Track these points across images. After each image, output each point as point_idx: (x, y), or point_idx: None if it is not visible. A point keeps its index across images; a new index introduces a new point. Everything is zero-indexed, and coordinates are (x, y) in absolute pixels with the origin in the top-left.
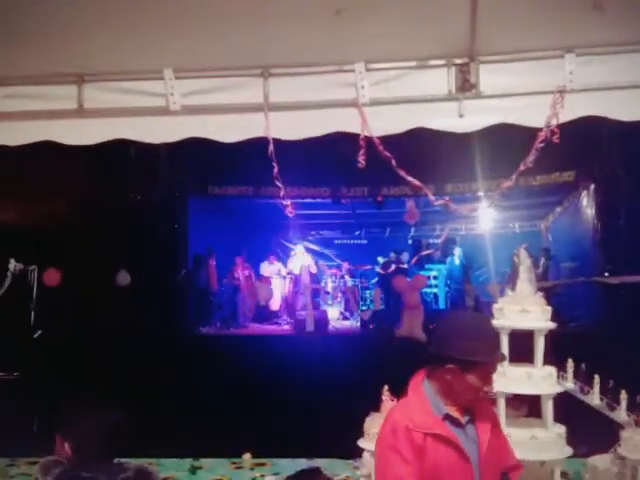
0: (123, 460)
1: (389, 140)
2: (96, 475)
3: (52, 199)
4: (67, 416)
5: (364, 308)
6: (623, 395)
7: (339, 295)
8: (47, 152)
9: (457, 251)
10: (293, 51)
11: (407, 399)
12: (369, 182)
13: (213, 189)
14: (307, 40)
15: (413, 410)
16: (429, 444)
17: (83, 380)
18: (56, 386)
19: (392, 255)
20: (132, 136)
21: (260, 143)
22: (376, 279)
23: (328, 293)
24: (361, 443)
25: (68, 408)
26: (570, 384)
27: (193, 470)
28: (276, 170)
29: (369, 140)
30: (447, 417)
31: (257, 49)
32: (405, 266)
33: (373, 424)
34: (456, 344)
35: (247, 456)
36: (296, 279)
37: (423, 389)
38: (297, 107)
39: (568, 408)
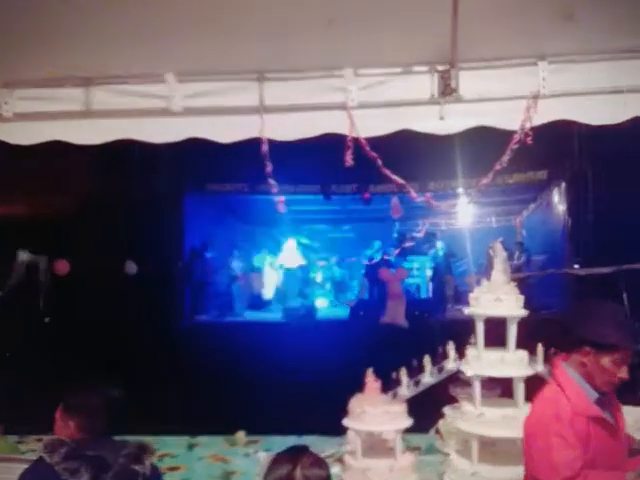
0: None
1: (375, 141)
2: (101, 453)
3: (60, 195)
4: (72, 396)
5: (352, 297)
6: None
7: (327, 285)
8: (57, 150)
9: (439, 244)
10: (287, 58)
11: (558, 386)
12: (357, 180)
13: (211, 186)
14: (300, 47)
15: (571, 396)
16: (592, 428)
17: (89, 363)
18: (64, 369)
19: (375, 245)
20: (136, 136)
21: (256, 143)
22: (363, 271)
23: (318, 284)
24: (346, 422)
25: (73, 388)
26: (540, 367)
27: (190, 447)
28: (269, 169)
29: (357, 141)
30: (598, 401)
31: (253, 55)
32: (389, 257)
33: (357, 404)
34: (595, 328)
35: (240, 434)
36: (288, 270)
37: (570, 375)
38: (290, 110)
39: (538, 389)
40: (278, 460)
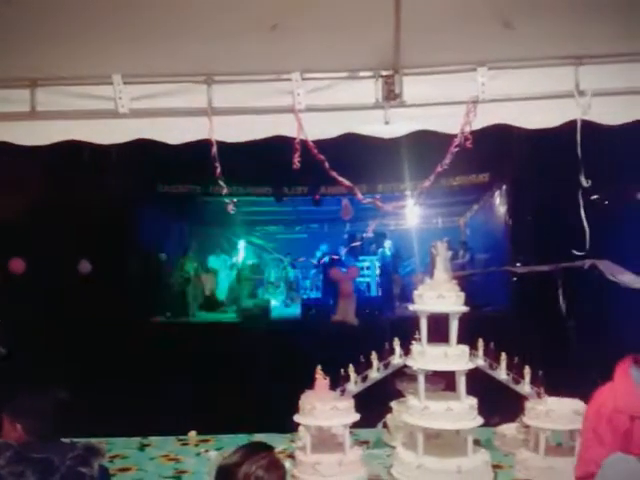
0: (71, 440)
1: (324, 144)
2: (47, 455)
3: (13, 196)
4: (18, 400)
5: (304, 296)
6: (527, 370)
7: (281, 285)
8: (8, 151)
9: (387, 244)
10: (235, 61)
11: (614, 383)
12: (308, 182)
13: (162, 187)
14: (249, 51)
15: (620, 394)
16: (636, 427)
17: (40, 363)
18: (12, 370)
19: (324, 246)
20: (83, 137)
21: (207, 145)
22: (313, 270)
23: (271, 283)
24: (297, 418)
25: (17, 390)
26: (480, 361)
27: (142, 447)
28: (219, 171)
29: (305, 143)
30: None
31: (202, 58)
32: (338, 257)
33: (307, 401)
34: None
35: (192, 434)
36: (241, 271)
37: (630, 373)
38: (239, 112)
39: (479, 382)
40: (235, 451)
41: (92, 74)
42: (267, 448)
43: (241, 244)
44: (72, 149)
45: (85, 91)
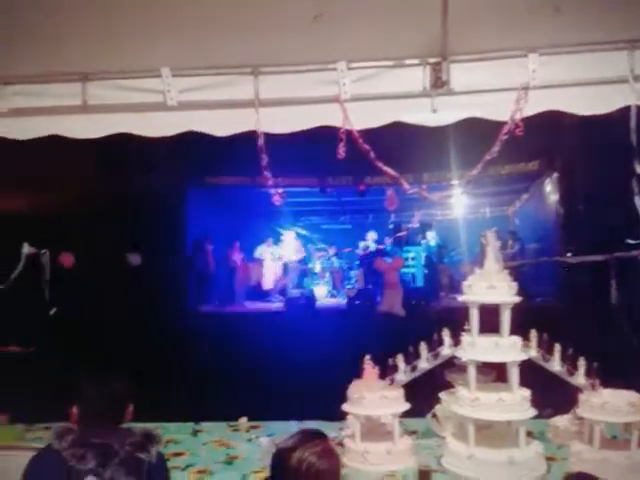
0: (129, 425)
1: (370, 133)
2: (106, 440)
3: (62, 190)
4: (76, 385)
5: (349, 287)
6: (581, 362)
7: (326, 275)
8: (56, 145)
9: (433, 234)
10: (281, 52)
11: None
12: (353, 172)
13: (210, 179)
14: (294, 41)
15: None
16: None
17: (94, 353)
18: (69, 359)
19: (369, 237)
20: (133, 130)
21: (254, 136)
22: (358, 261)
23: (316, 274)
24: (345, 407)
25: (78, 378)
26: (533, 352)
27: (194, 433)
28: (265, 162)
29: (350, 133)
30: None
31: (248, 50)
32: (383, 247)
33: (356, 390)
34: None
35: (243, 420)
36: (287, 262)
37: None
38: (285, 103)
39: (531, 374)
40: (290, 437)
41: (141, 67)
42: (321, 436)
43: (287, 235)
44: (122, 141)
45: (134, 84)
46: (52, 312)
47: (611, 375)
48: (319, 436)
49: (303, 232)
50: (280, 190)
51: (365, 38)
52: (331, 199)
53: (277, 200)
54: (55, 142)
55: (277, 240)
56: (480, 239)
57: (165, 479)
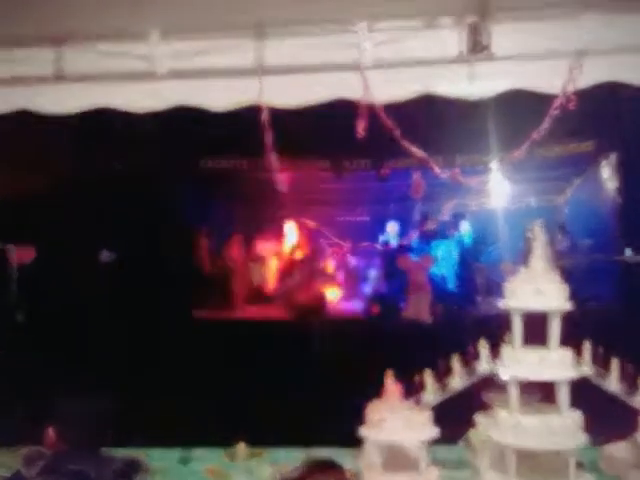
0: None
1: (393, 108)
2: (83, 467)
3: (30, 173)
4: (53, 402)
5: (367, 289)
6: None
7: (339, 275)
8: (24, 121)
9: (467, 227)
10: (290, 8)
11: None
12: (372, 154)
13: (205, 162)
14: None
15: None
16: None
17: (67, 363)
18: (40, 370)
19: (389, 229)
20: (116, 104)
21: (255, 112)
22: (378, 259)
23: (328, 274)
24: (363, 431)
25: (56, 395)
26: (587, 369)
27: (183, 461)
28: (270, 140)
29: (372, 108)
30: None
31: (250, 6)
32: (409, 242)
33: (376, 411)
34: None
35: (241, 446)
36: (292, 259)
37: None
38: (294, 71)
39: (584, 393)
40: (300, 465)
41: (126, 30)
42: (334, 465)
43: (290, 227)
44: (103, 118)
45: (118, 50)
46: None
47: None
48: (331, 466)
49: (312, 224)
50: (285, 175)
51: None
52: (346, 185)
53: (281, 187)
54: (23, 118)
55: (281, 233)
56: (525, 233)
57: None
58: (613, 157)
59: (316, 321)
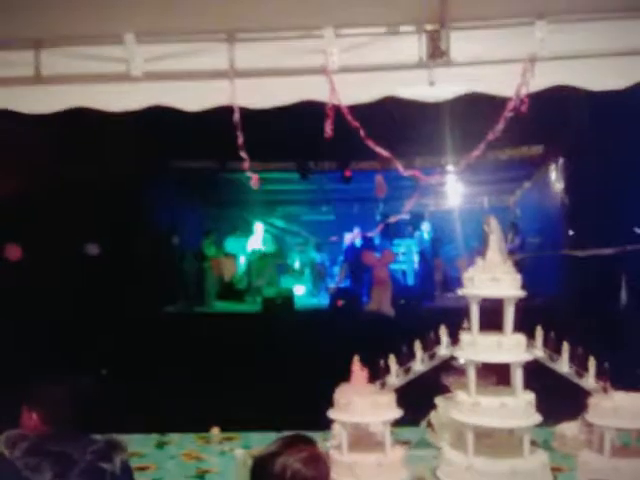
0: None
1: (356, 113)
2: (65, 449)
3: (8, 173)
4: (36, 386)
5: (332, 284)
6: (591, 362)
7: (305, 271)
8: (3, 121)
9: (426, 226)
10: (260, 15)
11: None
12: (337, 156)
13: (177, 162)
14: (275, 4)
15: None
16: None
17: (48, 353)
18: (21, 357)
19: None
20: (93, 104)
21: (223, 115)
22: (343, 255)
23: (295, 269)
24: (331, 414)
25: (36, 378)
26: (539, 352)
27: (160, 445)
28: (241, 140)
29: (337, 110)
30: None
31: (222, 13)
32: (371, 238)
33: (343, 394)
34: None
35: (215, 430)
36: (262, 257)
37: None
38: (264, 74)
39: (535, 376)
40: (273, 442)
41: (102, 33)
42: (309, 441)
43: (258, 226)
44: (78, 118)
45: (94, 52)
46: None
47: (623, 377)
48: (305, 441)
49: (280, 223)
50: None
51: (355, 1)
52: (312, 186)
53: (255, 184)
54: (3, 116)
55: (251, 232)
56: (483, 227)
57: None
58: (561, 160)
59: (284, 314)
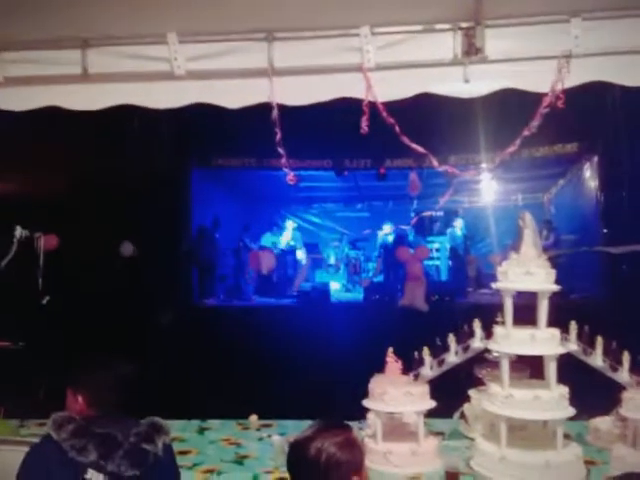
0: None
1: (392, 110)
2: (109, 431)
3: (55, 168)
4: (82, 369)
5: (366, 279)
6: (625, 356)
7: (341, 266)
8: (50, 120)
9: (459, 223)
10: (298, 15)
11: None
12: (372, 154)
13: (216, 160)
14: (312, 4)
15: None
16: None
17: (89, 347)
18: (63, 351)
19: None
20: (136, 101)
21: (263, 113)
22: (376, 252)
23: (330, 265)
24: (366, 403)
25: (82, 362)
26: (573, 345)
27: (201, 431)
28: (279, 137)
29: (373, 107)
30: None
31: (261, 13)
32: (406, 234)
33: (378, 385)
34: None
35: (253, 417)
36: (294, 252)
37: None
38: (302, 72)
39: (570, 370)
40: (310, 426)
41: (146, 33)
42: (344, 426)
43: (289, 224)
44: (122, 115)
45: (139, 51)
46: (44, 301)
47: None
48: (340, 426)
49: (316, 219)
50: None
51: (391, 0)
52: (347, 183)
53: (291, 180)
54: (48, 115)
55: (285, 229)
56: (517, 222)
57: (173, 472)
58: (596, 158)
59: (320, 308)
